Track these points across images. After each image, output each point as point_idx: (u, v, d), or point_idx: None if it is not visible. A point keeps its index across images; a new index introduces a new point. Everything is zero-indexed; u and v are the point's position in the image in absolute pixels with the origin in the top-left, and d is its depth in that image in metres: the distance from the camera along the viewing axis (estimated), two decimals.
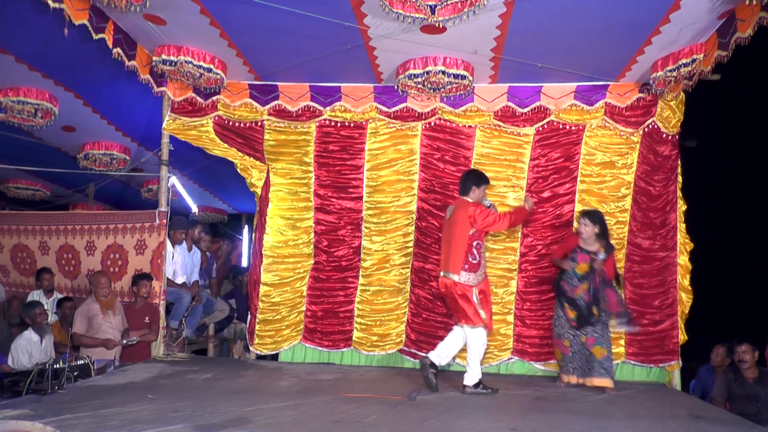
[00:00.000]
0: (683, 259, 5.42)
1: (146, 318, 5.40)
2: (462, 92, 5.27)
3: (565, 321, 4.83)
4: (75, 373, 4.17)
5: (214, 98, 5.71)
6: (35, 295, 5.81)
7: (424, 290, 5.62)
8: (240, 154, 5.89)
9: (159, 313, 5.47)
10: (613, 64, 5.02)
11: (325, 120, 5.71)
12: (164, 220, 5.66)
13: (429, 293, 5.61)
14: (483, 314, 4.46)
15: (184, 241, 6.19)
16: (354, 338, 5.70)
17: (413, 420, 3.49)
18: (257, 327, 5.74)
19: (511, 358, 5.53)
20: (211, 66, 5.07)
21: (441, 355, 4.62)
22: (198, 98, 5.70)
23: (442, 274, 4.63)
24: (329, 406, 3.76)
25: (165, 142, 5.77)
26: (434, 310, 5.59)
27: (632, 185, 5.46)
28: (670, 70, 4.69)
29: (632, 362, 5.39)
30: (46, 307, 5.36)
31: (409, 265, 5.68)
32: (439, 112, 5.58)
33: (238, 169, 6.03)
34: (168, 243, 5.77)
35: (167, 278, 5.71)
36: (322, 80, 5.59)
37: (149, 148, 7.01)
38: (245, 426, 3.16)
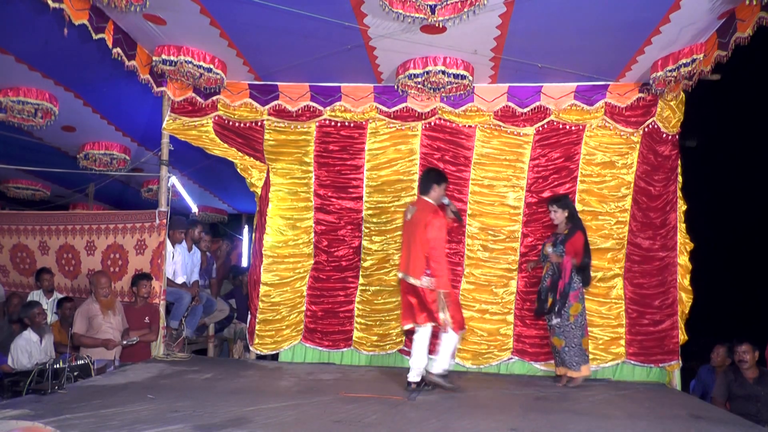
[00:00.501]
0: (683, 259, 5.42)
1: (146, 318, 5.40)
2: (462, 92, 5.27)
3: None
4: (75, 373, 4.17)
5: (214, 98, 5.71)
6: (35, 296, 5.81)
7: None
8: (240, 154, 5.89)
9: (159, 313, 5.47)
10: (613, 64, 5.02)
11: (325, 120, 5.71)
12: (164, 220, 5.66)
13: None
14: (449, 317, 4.31)
15: (184, 241, 6.19)
16: (354, 338, 5.70)
17: (413, 420, 3.49)
18: (257, 327, 5.74)
19: (512, 358, 5.53)
20: (211, 66, 5.07)
21: (416, 366, 4.44)
22: (198, 98, 5.70)
23: (401, 275, 4.50)
24: (329, 406, 3.76)
25: (165, 142, 5.77)
26: None
27: (632, 185, 5.46)
28: (670, 70, 4.69)
29: (632, 362, 5.39)
30: (45, 308, 5.36)
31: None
32: (439, 112, 5.58)
33: (238, 169, 6.04)
34: (168, 243, 5.77)
35: (167, 278, 5.70)
36: (322, 80, 5.59)
37: (149, 148, 7.01)
38: (245, 426, 3.16)
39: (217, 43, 4.86)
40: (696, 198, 5.71)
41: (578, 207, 5.46)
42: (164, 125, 5.73)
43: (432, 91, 5.23)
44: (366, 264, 5.74)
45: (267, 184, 5.88)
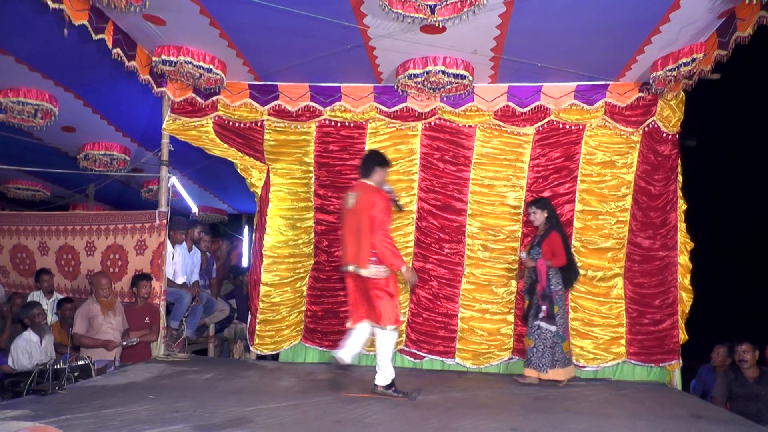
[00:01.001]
0: (683, 259, 5.42)
1: (146, 318, 5.40)
2: (462, 92, 5.27)
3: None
4: (75, 374, 4.16)
5: (214, 98, 5.71)
6: (35, 296, 5.81)
7: (424, 290, 5.63)
8: (240, 154, 5.89)
9: (159, 313, 5.47)
10: (613, 64, 5.02)
11: (325, 120, 5.71)
12: (164, 221, 5.66)
13: (429, 293, 5.62)
14: (397, 313, 4.08)
15: (185, 242, 6.19)
16: None
17: (413, 420, 3.49)
18: (257, 327, 5.74)
19: (512, 358, 5.53)
20: (211, 66, 5.07)
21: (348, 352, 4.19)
22: (198, 98, 5.70)
23: (351, 268, 4.12)
24: (329, 406, 3.75)
25: (165, 143, 5.77)
26: (434, 310, 5.60)
27: (632, 185, 5.46)
28: (670, 70, 4.69)
29: (633, 362, 5.39)
30: (45, 308, 5.36)
31: (410, 265, 5.67)
32: (439, 111, 5.57)
33: (238, 169, 6.04)
34: (168, 243, 5.77)
35: (167, 278, 5.70)
36: (322, 80, 5.59)
37: (149, 149, 7.01)
38: (246, 426, 3.16)
39: (216, 44, 4.86)
40: (696, 197, 5.72)
41: (578, 207, 5.48)
42: (164, 125, 5.73)
43: (432, 91, 5.23)
44: None
45: (267, 185, 5.88)
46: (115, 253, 5.87)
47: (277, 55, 5.10)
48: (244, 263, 9.44)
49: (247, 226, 11.30)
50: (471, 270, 5.63)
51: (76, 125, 6.71)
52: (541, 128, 5.52)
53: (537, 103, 5.43)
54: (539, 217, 4.98)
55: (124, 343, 5.15)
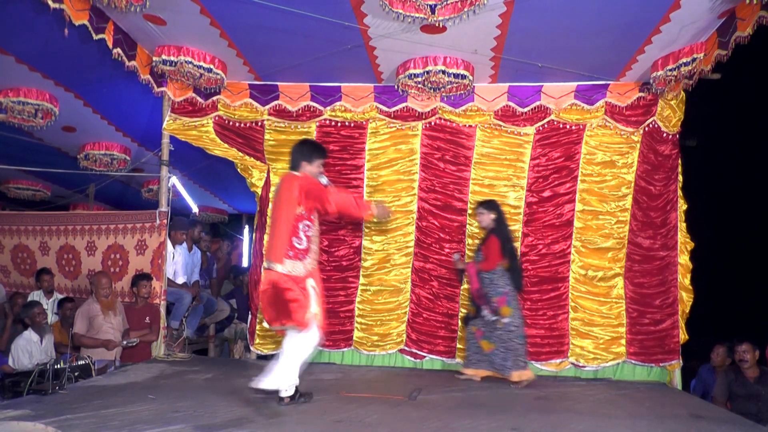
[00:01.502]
0: (684, 259, 5.42)
1: (147, 318, 5.41)
2: (462, 92, 5.27)
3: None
4: (76, 374, 4.17)
5: (215, 98, 5.71)
6: (35, 296, 5.81)
7: (424, 290, 5.63)
8: (240, 154, 5.89)
9: (159, 313, 5.47)
10: (614, 64, 5.02)
11: (325, 120, 5.71)
12: (165, 221, 5.66)
13: (429, 293, 5.62)
14: (315, 311, 3.66)
15: (185, 242, 6.20)
16: (354, 338, 5.69)
17: (414, 420, 3.49)
18: (258, 327, 5.74)
19: None
20: (211, 66, 5.07)
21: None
22: (198, 98, 5.70)
23: (265, 265, 3.74)
24: (330, 406, 3.76)
25: (165, 143, 5.77)
26: (435, 310, 5.60)
27: (633, 184, 5.46)
28: (670, 70, 4.69)
29: (633, 361, 5.38)
30: (46, 308, 5.36)
31: (410, 265, 5.67)
32: (440, 111, 5.57)
33: (239, 169, 6.04)
34: (168, 243, 5.77)
35: (168, 278, 5.71)
36: (322, 80, 5.59)
37: (149, 149, 7.02)
38: (246, 426, 3.16)
39: (217, 44, 4.86)
40: (696, 197, 5.72)
41: (579, 206, 5.48)
42: (164, 125, 5.73)
43: (432, 90, 5.23)
44: (366, 264, 5.73)
45: (267, 184, 5.88)
46: (115, 253, 5.87)
47: (278, 55, 5.10)
48: (245, 263, 9.45)
49: (247, 226, 11.30)
50: None
51: (77, 125, 6.71)
52: (541, 128, 5.52)
53: (537, 103, 5.43)
54: (485, 218, 4.93)
55: (125, 343, 5.15)
